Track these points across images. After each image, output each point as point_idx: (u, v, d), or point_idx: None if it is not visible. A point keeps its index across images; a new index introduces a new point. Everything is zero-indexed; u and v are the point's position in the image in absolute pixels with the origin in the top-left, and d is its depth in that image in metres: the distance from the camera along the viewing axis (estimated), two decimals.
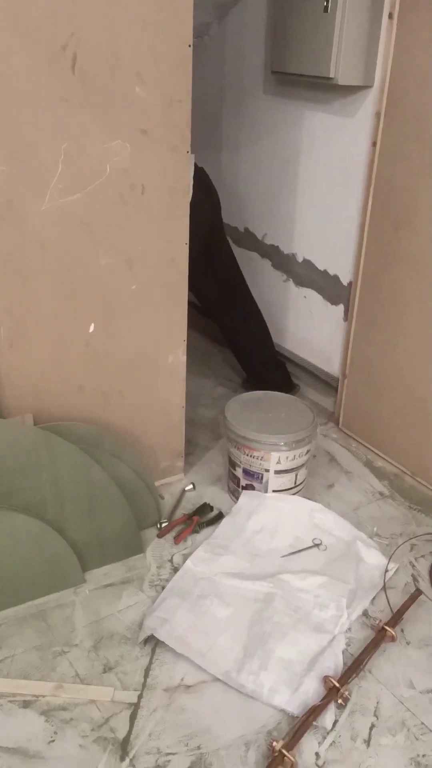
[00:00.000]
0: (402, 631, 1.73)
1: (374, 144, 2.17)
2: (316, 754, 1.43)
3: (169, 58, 1.65)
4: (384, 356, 2.35)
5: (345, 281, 2.51)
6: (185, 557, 1.93)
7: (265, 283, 2.92)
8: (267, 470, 2.06)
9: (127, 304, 1.90)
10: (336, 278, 2.55)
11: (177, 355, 2.08)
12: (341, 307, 2.56)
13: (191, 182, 1.84)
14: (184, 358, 2.10)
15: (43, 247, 1.69)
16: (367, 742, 1.46)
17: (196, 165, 1.81)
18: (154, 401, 2.10)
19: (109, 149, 1.66)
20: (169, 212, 1.83)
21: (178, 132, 1.73)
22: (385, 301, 2.28)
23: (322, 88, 2.36)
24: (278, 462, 2.03)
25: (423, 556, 2.00)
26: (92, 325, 1.87)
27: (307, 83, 2.40)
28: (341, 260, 2.49)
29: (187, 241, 1.93)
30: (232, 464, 2.14)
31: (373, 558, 1.95)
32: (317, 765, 1.41)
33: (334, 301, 2.59)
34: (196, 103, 1.77)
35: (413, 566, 1.96)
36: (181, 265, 1.94)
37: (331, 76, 2.16)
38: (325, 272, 2.59)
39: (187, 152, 1.76)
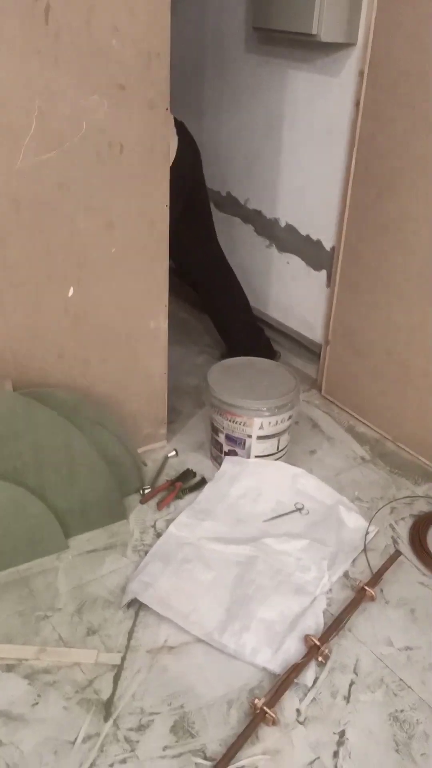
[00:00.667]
0: (381, 591, 1.75)
1: (357, 104, 2.14)
2: (297, 710, 1.45)
3: (147, 10, 1.60)
4: (367, 323, 2.34)
5: (328, 246, 2.49)
6: (168, 523, 1.93)
7: (247, 249, 2.89)
8: (249, 436, 2.05)
9: (107, 267, 1.87)
10: (319, 243, 2.53)
11: (159, 321, 2.06)
12: (324, 272, 2.54)
13: (176, 142, 1.80)
14: (165, 325, 2.08)
15: (18, 207, 1.65)
16: (347, 698, 1.48)
17: (175, 119, 1.77)
18: (136, 368, 2.09)
19: (85, 105, 1.62)
20: (149, 173, 1.80)
21: (157, 88, 1.69)
22: (368, 267, 2.26)
23: (304, 45, 2.31)
24: (261, 427, 2.03)
25: (403, 518, 2.02)
26: (71, 289, 1.84)
27: (289, 41, 2.35)
28: (324, 225, 2.47)
29: (168, 203, 1.90)
30: (215, 430, 2.14)
31: (354, 521, 1.97)
32: (298, 721, 1.43)
33: (316, 267, 2.57)
34: (176, 64, 1.73)
35: (393, 529, 1.98)
36: (161, 228, 1.91)
37: (313, 32, 2.11)
38: (308, 237, 2.57)
39: (167, 110, 1.72)
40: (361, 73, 2.11)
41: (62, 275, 1.80)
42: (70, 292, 1.84)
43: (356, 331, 2.40)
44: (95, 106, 1.63)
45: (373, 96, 2.09)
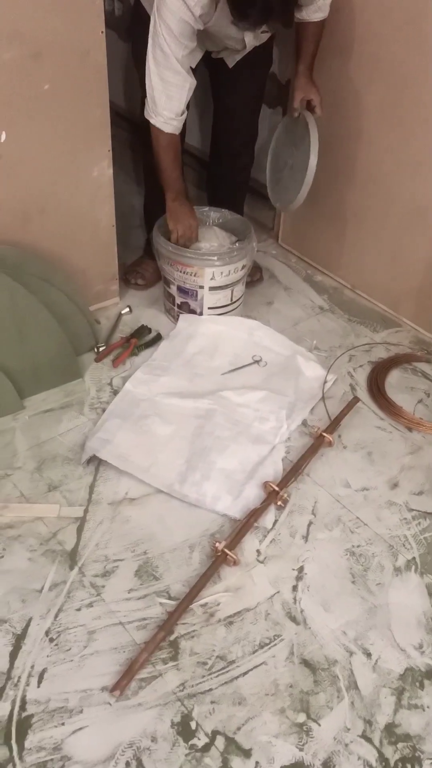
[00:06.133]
0: (339, 436, 1.78)
1: None
2: (257, 551, 1.50)
3: None
4: (322, 163, 2.21)
5: (283, 80, 2.30)
6: (124, 380, 1.90)
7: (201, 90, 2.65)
8: (201, 287, 1.98)
9: (40, 107, 1.70)
10: (273, 77, 2.33)
11: (102, 168, 1.91)
12: (279, 110, 2.37)
13: None
14: (110, 171, 1.94)
15: None
16: (305, 537, 1.54)
17: None
18: (81, 220, 1.96)
19: None
20: None
21: None
22: (324, 100, 2.09)
23: None
24: (212, 278, 1.96)
25: (361, 366, 2.02)
26: (3, 134, 1.68)
27: None
28: (278, 55, 2.26)
29: (103, 30, 1.70)
30: (166, 282, 2.06)
31: (312, 371, 1.96)
32: (258, 560, 1.48)
33: (271, 104, 2.39)
34: None
35: (351, 376, 1.98)
36: (97, 59, 1.72)
37: None
38: None
39: None
40: None
41: None
42: (2, 137, 1.68)
43: (317, 171, 2.26)
44: None
45: None
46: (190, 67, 1.76)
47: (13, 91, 1.64)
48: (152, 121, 1.80)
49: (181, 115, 1.80)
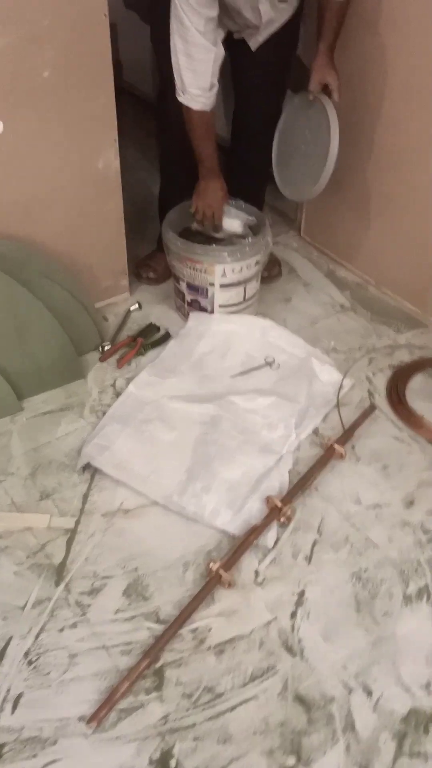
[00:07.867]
0: (353, 447, 1.66)
1: None
2: (256, 572, 1.40)
3: None
4: (349, 148, 2.07)
5: (307, 62, 2.16)
6: (129, 381, 1.81)
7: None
8: (212, 284, 1.88)
9: (39, 96, 1.62)
10: (298, 60, 2.19)
11: (108, 159, 1.82)
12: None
13: None
14: (117, 162, 1.85)
15: None
16: (309, 558, 1.42)
17: None
18: (87, 214, 1.88)
19: None
20: None
21: None
22: (348, 83, 1.96)
23: None
24: (223, 275, 1.85)
25: (381, 370, 1.89)
26: (0, 124, 1.60)
27: None
28: (305, 38, 2.12)
29: (107, 12, 1.60)
30: (176, 279, 1.96)
31: (327, 374, 1.84)
32: (256, 582, 1.38)
33: (294, 89, 2.25)
34: None
35: (370, 381, 1.85)
36: (101, 41, 1.63)
37: None
38: None
39: None
40: None
41: None
42: (0, 128, 1.60)
43: (337, 159, 2.13)
44: None
45: None
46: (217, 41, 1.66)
47: (11, 79, 1.56)
48: (180, 99, 1.72)
49: (210, 89, 1.71)
